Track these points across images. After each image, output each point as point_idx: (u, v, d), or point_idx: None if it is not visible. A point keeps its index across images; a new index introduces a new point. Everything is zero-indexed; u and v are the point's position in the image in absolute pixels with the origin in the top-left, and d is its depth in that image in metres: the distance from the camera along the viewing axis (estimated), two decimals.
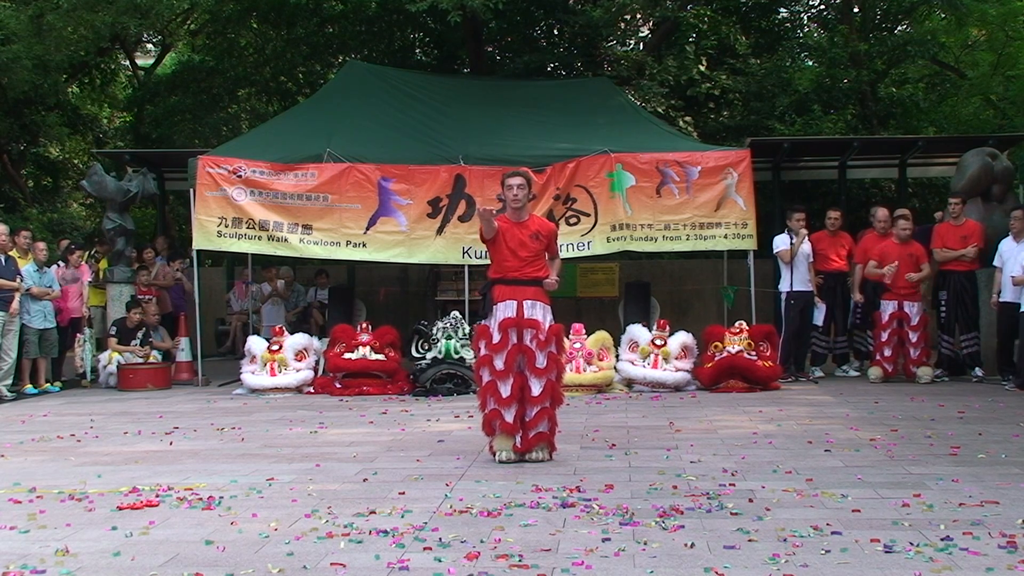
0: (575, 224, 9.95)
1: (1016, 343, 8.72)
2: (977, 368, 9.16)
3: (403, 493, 4.69)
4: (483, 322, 5.57)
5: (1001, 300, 8.80)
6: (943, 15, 16.66)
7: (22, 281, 9.42)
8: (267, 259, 11.67)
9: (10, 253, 9.56)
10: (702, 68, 14.72)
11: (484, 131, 10.71)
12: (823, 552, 3.59)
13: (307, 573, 3.46)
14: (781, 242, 9.43)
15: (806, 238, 9.41)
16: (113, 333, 10.15)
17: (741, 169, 9.88)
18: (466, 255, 9.88)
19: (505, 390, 5.36)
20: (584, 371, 8.88)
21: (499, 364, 5.38)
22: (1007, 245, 8.83)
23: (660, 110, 13.70)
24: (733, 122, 15.46)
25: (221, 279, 13.80)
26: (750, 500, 4.41)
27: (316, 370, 9.54)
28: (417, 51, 17.85)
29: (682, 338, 9.15)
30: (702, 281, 13.25)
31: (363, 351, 9.26)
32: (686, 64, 14.23)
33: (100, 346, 10.60)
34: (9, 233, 9.55)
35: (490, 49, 16.64)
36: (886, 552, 3.58)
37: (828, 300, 9.70)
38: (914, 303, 9.13)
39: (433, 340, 9.33)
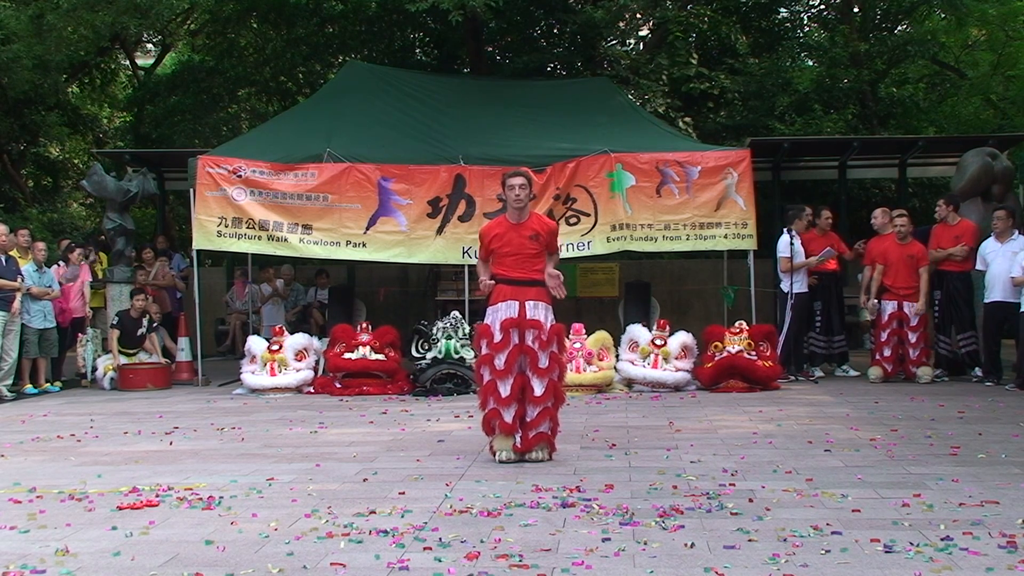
0: (575, 224, 9.95)
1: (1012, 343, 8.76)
2: (977, 368, 9.16)
3: (403, 493, 4.69)
4: (484, 321, 5.57)
5: (987, 301, 8.82)
6: (943, 15, 16.68)
7: (23, 281, 9.42)
8: (267, 259, 11.68)
9: (11, 253, 9.57)
10: (693, 61, 14.70)
11: (484, 131, 10.71)
12: (823, 552, 3.59)
13: (307, 573, 3.46)
14: (784, 247, 9.36)
15: (799, 239, 9.39)
16: (115, 323, 10.09)
17: (741, 169, 9.88)
18: (466, 255, 9.87)
19: (504, 389, 5.36)
20: (584, 371, 8.87)
21: (499, 363, 5.37)
22: (990, 246, 8.87)
23: (660, 110, 13.71)
24: (733, 122, 15.47)
25: (221, 279, 13.81)
26: (750, 500, 4.41)
27: (316, 370, 9.54)
28: (417, 51, 17.86)
29: (682, 338, 9.14)
30: (702, 281, 13.25)
31: (363, 351, 9.26)
32: (677, 61, 14.24)
33: (102, 347, 10.59)
34: (8, 233, 9.54)
35: (490, 49, 16.65)
36: (886, 552, 3.58)
37: (823, 300, 9.69)
38: (914, 303, 9.13)
39: (433, 340, 9.33)
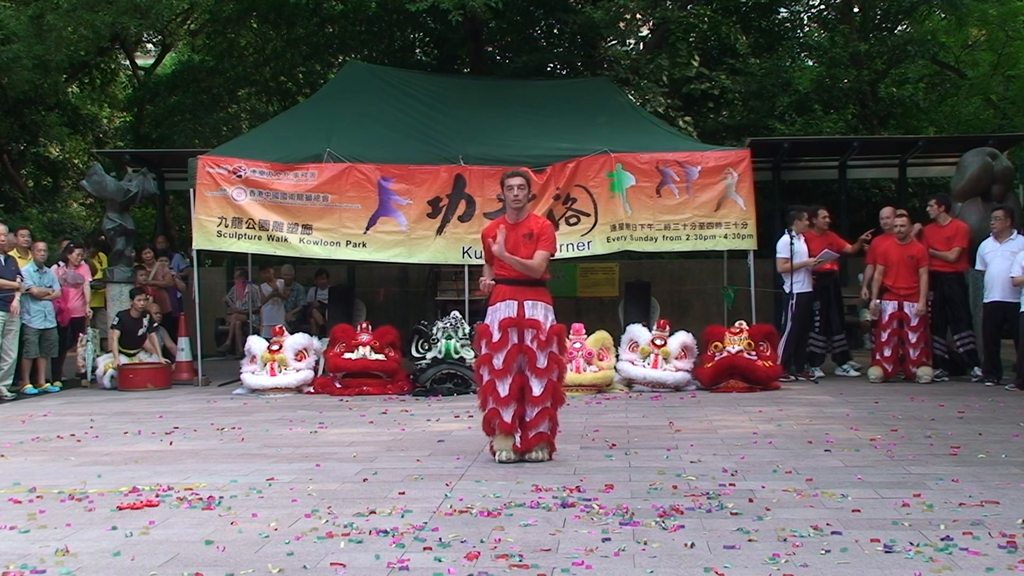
0: (575, 224, 9.95)
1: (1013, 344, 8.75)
2: (976, 367, 9.16)
3: (403, 493, 4.69)
4: (484, 321, 5.57)
5: (986, 301, 8.82)
6: (943, 15, 16.68)
7: (22, 281, 9.42)
8: (267, 259, 11.68)
9: (10, 253, 9.57)
10: (695, 64, 14.71)
11: (484, 131, 10.71)
12: (823, 552, 3.59)
13: (307, 573, 3.46)
14: (783, 248, 9.34)
15: (802, 239, 9.38)
16: (116, 324, 10.09)
17: (741, 169, 9.87)
18: (466, 255, 9.87)
19: (503, 389, 5.36)
20: (584, 371, 8.87)
21: (498, 363, 5.37)
22: (989, 246, 8.87)
23: (660, 110, 13.71)
24: (733, 122, 15.47)
25: (221, 279, 13.82)
26: (750, 500, 4.41)
27: (316, 370, 9.54)
28: (417, 51, 17.87)
29: (682, 338, 9.14)
30: (702, 281, 13.26)
31: (363, 351, 9.26)
32: (679, 62, 14.24)
33: (102, 347, 10.59)
34: (7, 232, 9.54)
35: (490, 49, 16.66)
36: (886, 552, 3.58)
37: (822, 300, 9.67)
38: (914, 303, 9.13)
39: (433, 340, 9.33)
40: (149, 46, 21.53)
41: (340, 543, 3.81)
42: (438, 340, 9.27)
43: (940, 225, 9.36)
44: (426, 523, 4.10)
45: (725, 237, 9.91)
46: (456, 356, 9.11)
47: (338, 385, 9.20)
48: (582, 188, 9.95)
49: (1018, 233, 8.82)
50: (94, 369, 10.28)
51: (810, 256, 9.37)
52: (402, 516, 4.23)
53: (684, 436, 6.28)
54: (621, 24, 14.64)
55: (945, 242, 9.23)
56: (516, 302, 5.42)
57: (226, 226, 9.73)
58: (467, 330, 9.26)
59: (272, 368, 9.30)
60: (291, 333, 9.80)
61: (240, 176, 9.70)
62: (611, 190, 9.89)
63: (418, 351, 9.43)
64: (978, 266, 8.99)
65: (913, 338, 9.06)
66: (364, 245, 9.89)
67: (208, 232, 9.72)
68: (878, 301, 9.26)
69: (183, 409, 8.27)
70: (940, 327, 9.33)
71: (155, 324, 10.44)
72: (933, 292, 9.26)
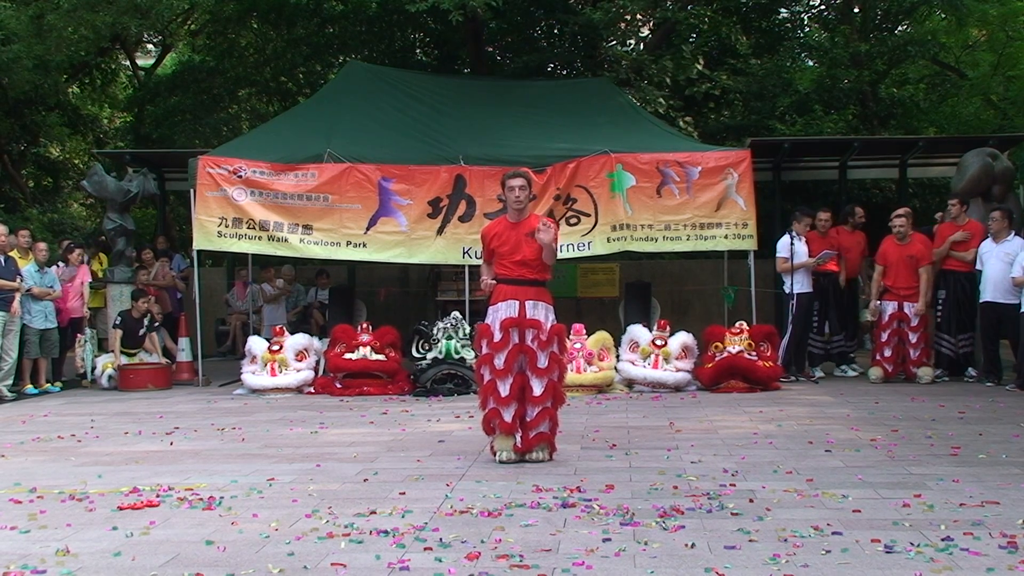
0: (575, 224, 9.95)
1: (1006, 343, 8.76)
2: (970, 368, 9.16)
3: (403, 493, 4.69)
4: (485, 321, 5.57)
5: (983, 300, 8.83)
6: (943, 15, 16.68)
7: (22, 281, 9.42)
8: (267, 259, 11.68)
9: (10, 253, 9.57)
10: (699, 67, 14.71)
11: (484, 131, 10.70)
12: (823, 552, 3.59)
13: (307, 573, 3.46)
14: (783, 248, 9.34)
15: (803, 240, 9.36)
16: (118, 324, 10.07)
17: (741, 169, 9.87)
18: (466, 255, 9.87)
19: (504, 389, 5.36)
20: (584, 371, 8.88)
21: (499, 363, 5.38)
22: (987, 246, 8.89)
23: (660, 110, 13.71)
24: (734, 122, 15.48)
25: (221, 279, 13.82)
26: (750, 500, 4.41)
27: (316, 370, 9.55)
28: (417, 51, 17.88)
29: (682, 338, 9.14)
30: (702, 281, 13.25)
31: (363, 351, 9.26)
32: (683, 64, 14.24)
33: (101, 347, 10.59)
34: (8, 233, 9.54)
35: (490, 49, 16.66)
36: (886, 552, 3.58)
37: (821, 301, 9.66)
38: (914, 303, 9.12)
39: (433, 340, 9.33)
40: (149, 46, 21.52)
41: (340, 543, 3.82)
42: (438, 340, 9.27)
43: (958, 224, 9.35)
44: (426, 523, 4.10)
45: (725, 237, 9.91)
46: (456, 356, 9.12)
47: (338, 385, 9.20)
48: (582, 188, 9.95)
49: (1016, 234, 8.81)
50: (94, 369, 10.28)
51: (810, 257, 9.36)
52: (402, 516, 4.23)
53: (684, 436, 6.29)
54: (621, 24, 14.64)
55: (963, 243, 9.21)
56: (517, 302, 5.43)
57: (226, 226, 9.73)
58: (467, 330, 9.27)
59: (272, 368, 9.30)
60: (291, 333, 9.81)
61: (240, 176, 9.70)
62: (611, 190, 9.89)
63: (418, 351, 9.44)
64: (978, 266, 9.00)
65: (913, 338, 9.06)
66: (364, 245, 9.89)
67: (208, 232, 9.72)
68: (878, 302, 9.27)
69: (183, 409, 8.28)
70: (950, 326, 9.30)
71: (155, 324, 10.44)
72: (945, 291, 9.27)
